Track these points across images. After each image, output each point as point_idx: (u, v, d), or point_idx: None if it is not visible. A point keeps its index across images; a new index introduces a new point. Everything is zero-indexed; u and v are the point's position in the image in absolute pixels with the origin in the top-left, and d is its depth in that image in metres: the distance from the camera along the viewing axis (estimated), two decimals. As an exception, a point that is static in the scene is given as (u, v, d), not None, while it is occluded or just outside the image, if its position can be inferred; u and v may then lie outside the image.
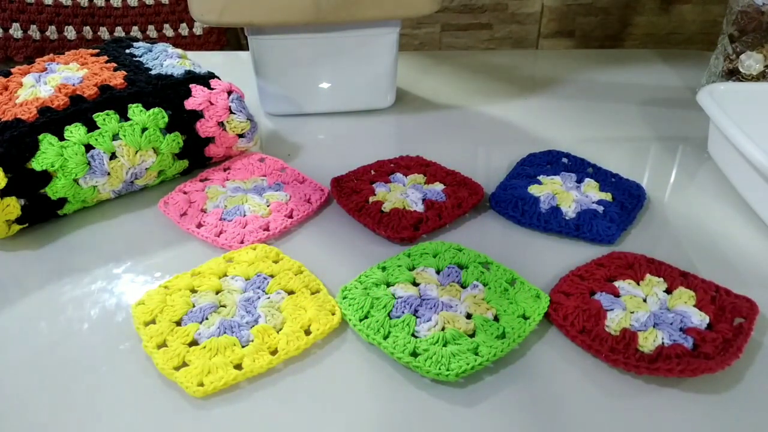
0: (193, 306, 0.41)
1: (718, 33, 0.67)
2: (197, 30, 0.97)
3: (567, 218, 0.49)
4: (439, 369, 0.36)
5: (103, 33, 0.95)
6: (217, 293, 0.42)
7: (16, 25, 0.89)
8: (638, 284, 0.42)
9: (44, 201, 0.47)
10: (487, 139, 0.64)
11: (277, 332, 0.39)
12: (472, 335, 0.39)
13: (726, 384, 0.36)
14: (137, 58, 0.58)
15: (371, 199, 0.51)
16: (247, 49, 0.65)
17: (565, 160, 0.57)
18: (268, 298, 0.42)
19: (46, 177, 0.47)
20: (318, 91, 0.66)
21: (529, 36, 1.05)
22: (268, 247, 0.46)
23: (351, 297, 0.41)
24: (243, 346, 0.38)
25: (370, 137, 0.64)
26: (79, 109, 0.49)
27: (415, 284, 0.43)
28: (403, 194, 0.52)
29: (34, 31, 0.90)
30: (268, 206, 0.51)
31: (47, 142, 0.47)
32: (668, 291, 0.42)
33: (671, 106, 0.70)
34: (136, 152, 0.50)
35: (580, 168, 0.56)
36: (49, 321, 0.41)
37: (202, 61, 0.63)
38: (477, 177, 0.54)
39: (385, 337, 0.38)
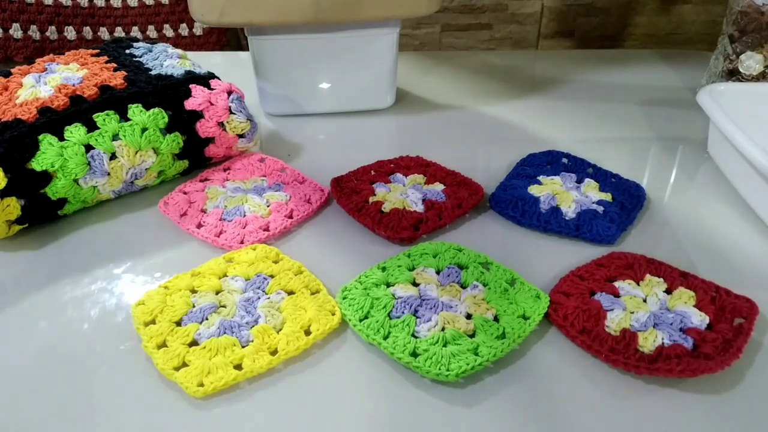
0: (193, 306, 0.41)
1: (718, 33, 0.67)
2: (197, 30, 0.97)
3: (567, 218, 0.49)
4: (439, 369, 0.36)
5: (103, 33, 0.95)
6: (217, 293, 0.42)
7: (16, 26, 0.89)
8: (638, 284, 0.42)
9: (44, 201, 0.47)
10: (487, 139, 0.64)
11: (277, 332, 0.39)
12: (472, 335, 0.39)
13: (726, 384, 0.36)
14: (137, 59, 0.58)
15: (371, 199, 0.51)
16: (247, 49, 0.65)
17: (565, 160, 0.57)
18: (268, 298, 0.42)
19: (46, 177, 0.47)
20: (318, 91, 0.66)
21: (529, 36, 1.05)
22: (268, 247, 0.46)
23: (351, 297, 0.41)
24: (243, 347, 0.38)
25: (370, 137, 0.64)
26: (79, 109, 0.49)
27: (415, 284, 0.43)
28: (403, 194, 0.52)
29: (34, 32, 0.90)
30: (268, 206, 0.51)
31: (47, 142, 0.47)
32: (668, 291, 0.42)
33: (671, 106, 0.70)
34: (136, 152, 0.50)
35: (580, 168, 0.56)
36: (49, 321, 0.41)
37: (202, 61, 0.63)
38: (477, 177, 0.54)
39: (385, 338, 0.38)
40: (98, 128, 0.49)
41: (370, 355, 0.39)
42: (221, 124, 0.54)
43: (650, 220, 0.51)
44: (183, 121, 0.53)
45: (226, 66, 0.82)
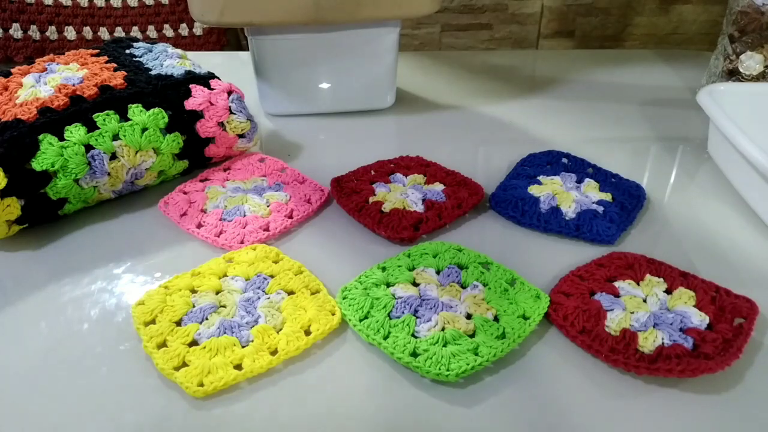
0: (193, 306, 0.41)
1: (718, 33, 0.67)
2: (197, 30, 0.97)
3: (567, 218, 0.49)
4: (439, 369, 0.36)
5: (103, 33, 0.95)
6: (217, 293, 0.42)
7: (16, 26, 0.89)
8: (638, 284, 0.42)
9: (44, 201, 0.47)
10: (487, 139, 0.64)
11: (277, 332, 0.39)
12: (472, 335, 0.39)
13: (726, 384, 0.36)
14: (137, 59, 0.58)
15: (371, 199, 0.51)
16: (247, 49, 0.65)
17: (565, 160, 0.57)
18: (268, 298, 0.42)
19: (46, 177, 0.47)
20: (318, 91, 0.66)
21: (529, 36, 1.05)
22: (268, 247, 0.46)
23: (351, 297, 0.41)
24: (243, 347, 0.38)
25: (370, 137, 0.64)
26: (79, 109, 0.49)
27: (415, 284, 0.43)
28: (403, 194, 0.52)
29: (34, 32, 0.90)
30: (268, 206, 0.51)
31: (47, 142, 0.47)
32: (668, 291, 0.42)
33: (671, 106, 0.70)
34: (137, 152, 0.50)
35: (580, 168, 0.56)
36: (49, 321, 0.41)
37: (202, 61, 0.63)
38: (477, 177, 0.54)
39: (385, 338, 0.38)
40: (98, 128, 0.49)
41: (370, 355, 0.39)
42: (221, 124, 0.54)
43: (650, 220, 0.51)
44: (183, 121, 0.53)
45: (226, 66, 0.82)
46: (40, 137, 0.47)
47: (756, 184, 0.49)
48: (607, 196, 0.51)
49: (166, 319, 0.40)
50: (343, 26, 0.61)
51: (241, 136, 0.56)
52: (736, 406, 0.35)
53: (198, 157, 0.55)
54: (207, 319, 0.40)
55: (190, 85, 0.54)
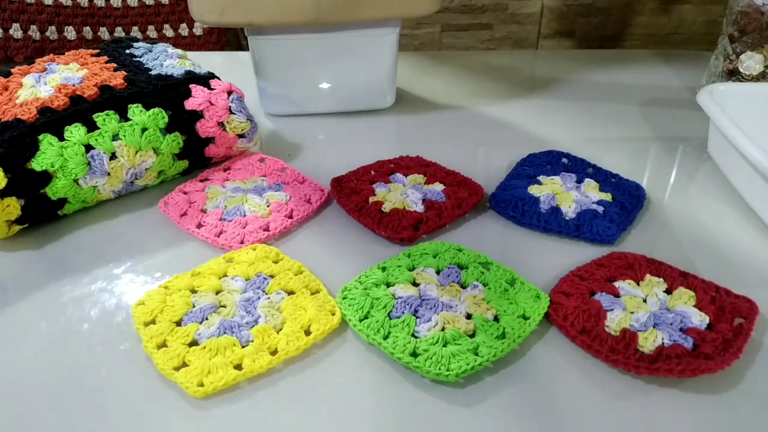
0: (193, 306, 0.41)
1: (718, 33, 0.67)
2: (197, 30, 0.97)
3: (567, 218, 0.49)
4: (439, 369, 0.36)
5: (103, 33, 0.95)
6: (217, 293, 0.42)
7: (16, 26, 0.89)
8: (638, 284, 0.42)
9: (44, 201, 0.47)
10: (487, 139, 0.64)
11: (277, 332, 0.39)
12: (472, 335, 0.39)
13: (726, 384, 0.36)
14: (137, 59, 0.58)
15: (371, 199, 0.51)
16: (247, 49, 0.65)
17: (565, 160, 0.57)
18: (268, 298, 0.42)
19: (46, 177, 0.47)
20: (318, 91, 0.66)
21: (529, 36, 1.05)
22: (268, 247, 0.46)
23: (351, 297, 0.41)
24: (243, 347, 0.38)
25: (370, 137, 0.64)
26: (79, 109, 0.49)
27: (415, 284, 0.43)
28: (403, 194, 0.52)
29: (34, 32, 0.90)
30: (268, 206, 0.51)
31: (47, 142, 0.47)
32: (668, 291, 0.42)
33: (671, 106, 0.70)
34: (136, 152, 0.50)
35: (580, 168, 0.56)
36: (49, 321, 0.41)
37: (202, 61, 0.63)
38: (477, 177, 0.54)
39: (385, 338, 0.38)
40: (98, 128, 0.49)
41: (370, 355, 0.39)
42: (221, 124, 0.54)
43: (650, 220, 0.51)
44: (183, 121, 0.53)
45: (226, 66, 0.82)
46: (40, 137, 0.47)
47: (756, 184, 0.49)
48: (607, 196, 0.52)
49: (166, 319, 0.40)
50: (343, 26, 0.61)
51: (241, 136, 0.56)
52: (736, 406, 0.35)
53: (198, 157, 0.55)
54: (207, 319, 0.40)
55: (190, 85, 0.54)
